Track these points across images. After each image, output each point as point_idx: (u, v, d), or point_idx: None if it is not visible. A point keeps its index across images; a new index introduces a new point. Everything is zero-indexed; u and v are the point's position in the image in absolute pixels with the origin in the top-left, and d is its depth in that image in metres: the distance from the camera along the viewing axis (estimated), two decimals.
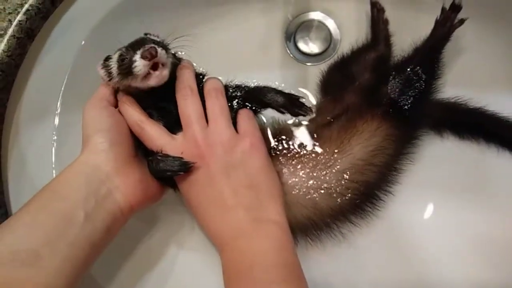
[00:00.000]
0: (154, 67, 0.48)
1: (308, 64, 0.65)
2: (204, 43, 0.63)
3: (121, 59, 0.49)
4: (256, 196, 0.49)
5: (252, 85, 0.56)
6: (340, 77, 0.61)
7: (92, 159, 0.48)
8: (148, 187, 0.51)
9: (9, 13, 0.52)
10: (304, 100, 0.55)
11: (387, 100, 0.56)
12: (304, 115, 0.54)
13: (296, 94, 0.55)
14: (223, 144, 0.49)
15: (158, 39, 0.52)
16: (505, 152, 0.60)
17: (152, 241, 0.59)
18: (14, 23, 0.52)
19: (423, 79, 0.56)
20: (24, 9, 0.52)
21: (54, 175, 0.58)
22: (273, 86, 0.56)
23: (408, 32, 0.60)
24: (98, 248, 0.47)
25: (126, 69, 0.48)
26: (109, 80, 0.51)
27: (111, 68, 0.50)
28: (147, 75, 0.48)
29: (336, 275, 0.58)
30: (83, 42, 0.59)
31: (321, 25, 0.65)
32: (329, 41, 0.65)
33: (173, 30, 0.60)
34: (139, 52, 0.47)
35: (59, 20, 0.57)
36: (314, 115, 0.56)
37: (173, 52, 0.52)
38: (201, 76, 0.55)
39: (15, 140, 0.56)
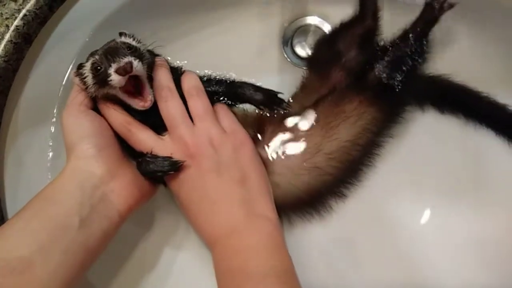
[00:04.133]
0: (134, 82, 0.48)
1: (305, 68, 0.64)
2: (202, 48, 0.64)
3: (94, 68, 0.47)
4: (248, 192, 0.49)
5: (231, 79, 0.56)
6: (327, 53, 0.61)
7: (83, 165, 0.48)
8: (143, 185, 0.51)
9: (6, 18, 0.52)
10: (282, 95, 0.55)
11: (374, 84, 0.56)
12: (282, 112, 0.55)
13: (274, 90, 0.55)
14: (212, 142, 0.50)
15: (132, 42, 0.50)
16: (482, 129, 0.60)
17: (148, 243, 0.59)
18: (11, 28, 0.52)
19: (411, 63, 0.56)
20: (21, 14, 0.52)
21: (50, 179, 0.57)
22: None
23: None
24: (94, 252, 0.47)
25: (101, 80, 0.47)
26: (86, 89, 0.49)
27: (85, 77, 0.49)
28: (132, 95, 0.48)
29: (331, 275, 0.58)
30: (80, 48, 0.59)
31: (318, 29, 0.65)
32: None
33: (171, 35, 0.61)
34: (113, 66, 0.46)
35: (57, 25, 0.57)
36: (290, 109, 0.56)
37: (149, 49, 0.51)
38: (178, 71, 0.55)
39: (11, 145, 0.56)
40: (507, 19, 0.59)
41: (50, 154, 0.58)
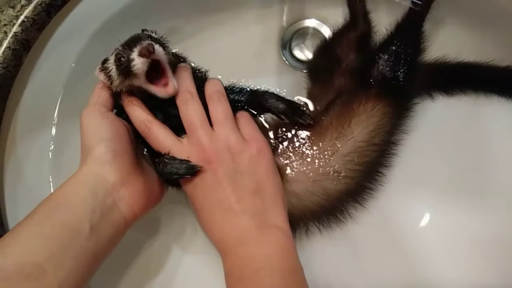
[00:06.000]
0: (156, 68, 0.48)
1: (304, 71, 0.64)
2: (201, 52, 0.63)
3: (118, 59, 0.48)
4: (262, 201, 0.49)
5: (254, 88, 0.56)
6: (326, 61, 0.61)
7: (97, 170, 0.48)
8: (151, 193, 0.51)
9: (5, 25, 0.52)
10: (304, 108, 0.55)
11: (378, 80, 0.56)
12: (304, 124, 0.54)
13: (297, 102, 0.55)
14: (230, 149, 0.49)
15: (155, 35, 0.51)
16: (493, 97, 0.60)
17: (154, 246, 0.59)
18: (10, 34, 0.52)
19: (410, 54, 0.57)
20: (19, 21, 0.52)
21: (51, 186, 0.58)
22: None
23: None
24: (100, 259, 0.47)
25: (125, 68, 0.47)
26: (111, 84, 0.50)
27: (110, 70, 0.49)
28: (155, 83, 0.48)
29: (335, 278, 0.58)
30: (79, 53, 0.59)
31: (316, 32, 0.65)
32: None
33: (169, 39, 0.61)
34: (136, 50, 0.46)
35: (55, 31, 0.57)
36: (313, 123, 0.55)
37: (172, 50, 0.51)
38: (201, 74, 0.55)
39: (11, 151, 0.56)
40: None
41: (50, 160, 0.58)
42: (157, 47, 0.47)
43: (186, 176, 0.49)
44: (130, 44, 0.47)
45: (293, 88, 0.63)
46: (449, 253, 0.58)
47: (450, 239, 0.59)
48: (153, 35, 0.51)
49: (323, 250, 0.58)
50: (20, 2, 0.53)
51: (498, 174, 0.60)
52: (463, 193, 0.60)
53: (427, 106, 0.61)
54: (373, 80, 0.56)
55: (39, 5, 0.53)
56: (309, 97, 0.61)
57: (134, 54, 0.46)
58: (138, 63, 0.46)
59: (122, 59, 0.47)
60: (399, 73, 0.56)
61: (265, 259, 0.45)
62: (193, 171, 0.48)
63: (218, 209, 0.49)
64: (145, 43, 0.46)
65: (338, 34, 0.62)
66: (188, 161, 0.48)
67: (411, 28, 0.58)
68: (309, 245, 0.58)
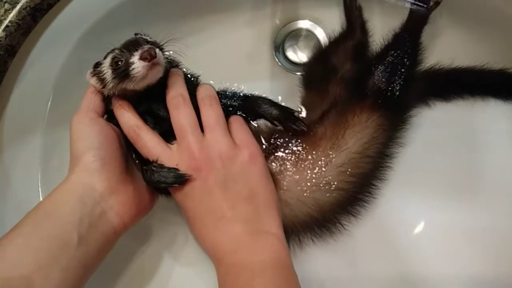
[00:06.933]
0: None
1: (298, 73, 0.64)
2: (193, 54, 0.61)
3: (115, 62, 0.47)
4: (255, 208, 0.48)
5: (247, 93, 0.55)
6: (321, 70, 0.60)
7: (85, 179, 0.47)
8: (141, 202, 0.50)
9: None
10: (298, 114, 0.55)
11: (374, 91, 0.56)
12: (297, 130, 0.53)
13: (291, 108, 0.54)
14: (221, 156, 0.48)
15: (150, 39, 0.50)
16: (489, 100, 0.60)
17: (146, 254, 0.58)
18: None
19: (407, 65, 0.56)
20: (3, 26, 0.51)
21: (40, 194, 0.57)
22: (267, 97, 0.55)
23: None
24: (89, 269, 0.46)
25: (122, 72, 0.47)
26: (103, 87, 0.49)
27: (103, 74, 0.48)
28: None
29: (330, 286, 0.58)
30: (66, 58, 0.58)
31: (310, 33, 0.64)
32: None
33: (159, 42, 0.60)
34: (136, 54, 0.46)
35: (41, 36, 0.55)
36: (306, 129, 0.54)
37: (166, 54, 0.51)
38: (193, 79, 0.54)
39: None
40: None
41: (39, 168, 0.57)
42: (157, 51, 0.46)
43: (174, 185, 0.48)
44: (129, 47, 0.47)
45: (287, 91, 0.63)
46: (444, 259, 0.58)
47: (446, 244, 0.58)
48: (148, 39, 0.50)
49: (318, 259, 0.58)
50: (4, 6, 0.51)
51: (495, 176, 0.60)
52: (460, 197, 0.59)
53: (423, 114, 0.60)
54: (368, 91, 0.56)
55: (23, 9, 0.51)
56: (303, 106, 0.60)
57: (135, 58, 0.46)
58: (139, 66, 0.46)
59: (119, 62, 0.47)
60: (394, 84, 0.55)
61: (259, 266, 0.45)
62: (181, 180, 0.47)
63: (210, 217, 0.48)
64: (147, 47, 0.46)
65: (334, 43, 0.61)
66: (177, 169, 0.47)
67: (408, 39, 0.57)
68: (304, 254, 0.57)
